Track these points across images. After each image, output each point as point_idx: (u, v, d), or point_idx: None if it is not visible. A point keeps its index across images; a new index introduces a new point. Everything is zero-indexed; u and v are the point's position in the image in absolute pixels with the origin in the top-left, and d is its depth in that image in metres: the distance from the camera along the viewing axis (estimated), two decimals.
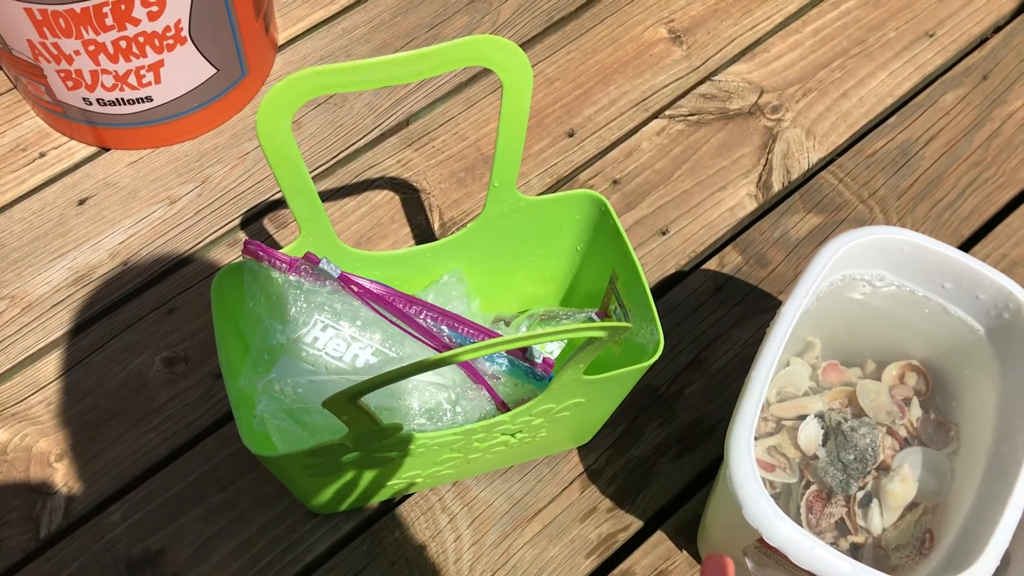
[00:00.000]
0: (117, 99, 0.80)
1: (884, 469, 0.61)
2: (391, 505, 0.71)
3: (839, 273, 0.63)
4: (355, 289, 0.63)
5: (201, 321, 0.78)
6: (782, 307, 0.58)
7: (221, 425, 0.73)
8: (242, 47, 0.83)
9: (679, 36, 0.95)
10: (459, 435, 0.57)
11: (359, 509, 0.70)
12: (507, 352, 0.63)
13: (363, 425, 0.51)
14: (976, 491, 0.58)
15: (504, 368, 0.63)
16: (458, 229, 0.73)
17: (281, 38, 0.94)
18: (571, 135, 0.89)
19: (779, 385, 0.65)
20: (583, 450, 0.73)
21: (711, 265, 0.82)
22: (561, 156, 0.88)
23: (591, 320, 0.68)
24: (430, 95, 0.91)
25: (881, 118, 0.91)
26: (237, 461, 0.72)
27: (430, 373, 0.63)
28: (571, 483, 0.72)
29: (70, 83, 0.78)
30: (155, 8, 0.74)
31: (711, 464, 0.73)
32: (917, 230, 0.61)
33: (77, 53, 0.75)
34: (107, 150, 0.86)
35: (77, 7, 0.71)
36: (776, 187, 0.87)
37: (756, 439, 0.60)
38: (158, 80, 0.80)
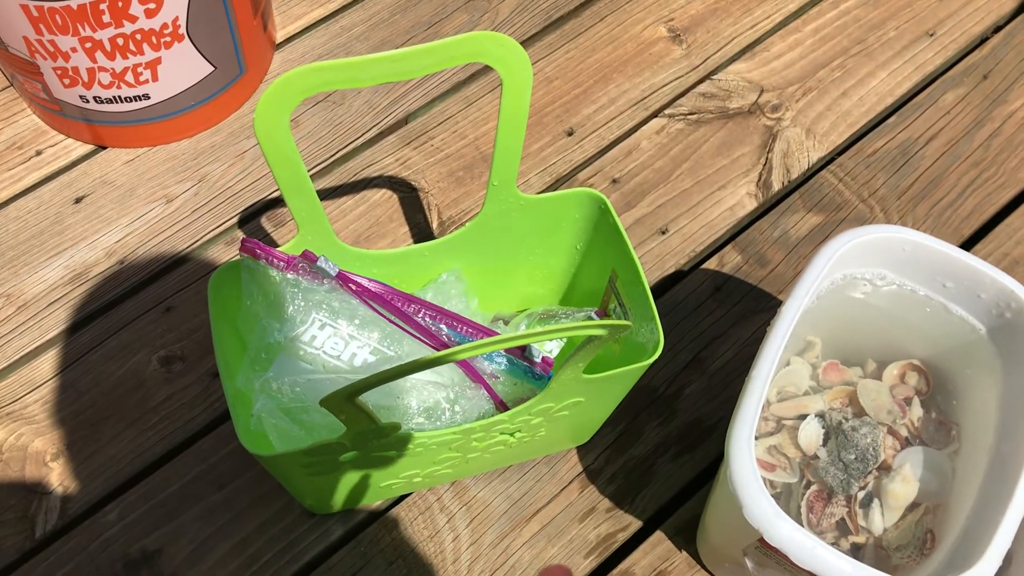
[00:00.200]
0: (114, 97, 0.80)
1: (885, 469, 0.61)
2: (389, 505, 0.70)
3: (840, 272, 0.62)
4: (353, 287, 0.63)
5: (198, 320, 0.77)
6: (783, 306, 0.57)
7: (218, 424, 0.73)
8: (240, 45, 0.83)
9: (679, 35, 0.95)
10: (458, 434, 0.57)
11: (357, 509, 0.70)
12: (506, 351, 0.63)
13: (361, 424, 0.51)
14: (978, 491, 0.57)
15: (503, 367, 0.63)
16: (457, 228, 0.73)
17: (279, 36, 0.94)
18: (570, 134, 0.89)
19: (779, 384, 0.64)
20: (582, 450, 0.73)
21: (711, 264, 0.82)
22: (560, 155, 0.87)
23: (590, 319, 0.67)
24: (429, 93, 0.90)
25: (881, 117, 0.91)
26: (234, 460, 0.71)
27: (428, 372, 0.62)
28: (570, 483, 0.72)
29: (67, 80, 0.78)
30: (152, 5, 0.73)
31: (711, 464, 0.73)
32: (917, 229, 0.61)
33: (74, 50, 0.75)
34: (104, 148, 0.86)
35: (74, 3, 0.70)
36: (776, 186, 0.86)
37: (756, 439, 0.59)
38: (155, 78, 0.79)
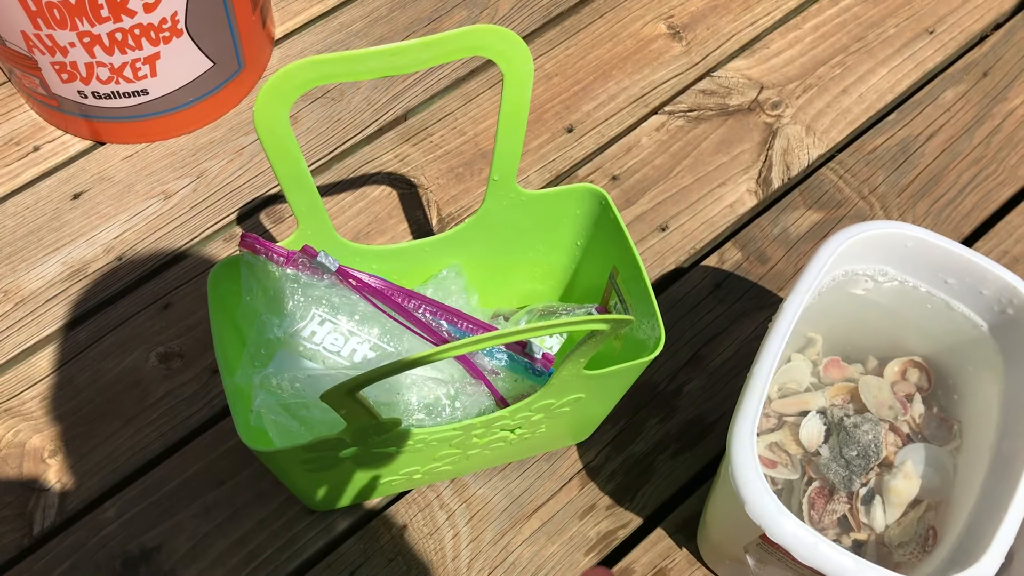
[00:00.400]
0: (112, 92, 0.79)
1: (887, 465, 0.60)
2: (389, 502, 0.70)
3: (841, 268, 0.62)
4: (353, 283, 0.62)
5: (196, 317, 0.77)
6: (784, 302, 0.57)
7: (217, 421, 0.73)
8: (239, 41, 0.83)
9: (678, 32, 0.95)
10: (458, 431, 0.57)
11: (356, 505, 0.70)
12: (506, 347, 0.63)
13: (361, 419, 0.51)
14: (979, 488, 0.57)
15: (503, 363, 0.62)
16: (456, 224, 0.73)
17: (278, 32, 0.93)
18: (570, 131, 0.88)
19: (780, 381, 0.64)
20: (582, 447, 0.73)
21: (711, 261, 0.82)
22: (560, 152, 0.87)
23: (591, 315, 0.67)
24: (428, 90, 0.90)
25: (881, 115, 0.91)
26: (233, 457, 0.71)
27: (429, 368, 0.62)
28: (570, 480, 0.72)
29: (65, 76, 0.78)
30: (151, 0, 0.73)
31: (711, 461, 0.73)
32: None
33: (72, 45, 0.74)
34: (102, 144, 0.86)
35: None
36: (776, 183, 0.86)
37: (758, 435, 0.59)
38: (154, 73, 0.79)
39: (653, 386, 0.76)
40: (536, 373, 0.62)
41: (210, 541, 0.68)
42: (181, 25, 0.77)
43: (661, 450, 0.73)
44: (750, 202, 0.85)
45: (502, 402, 0.62)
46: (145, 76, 0.79)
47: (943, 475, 0.60)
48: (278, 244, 0.61)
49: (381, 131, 0.88)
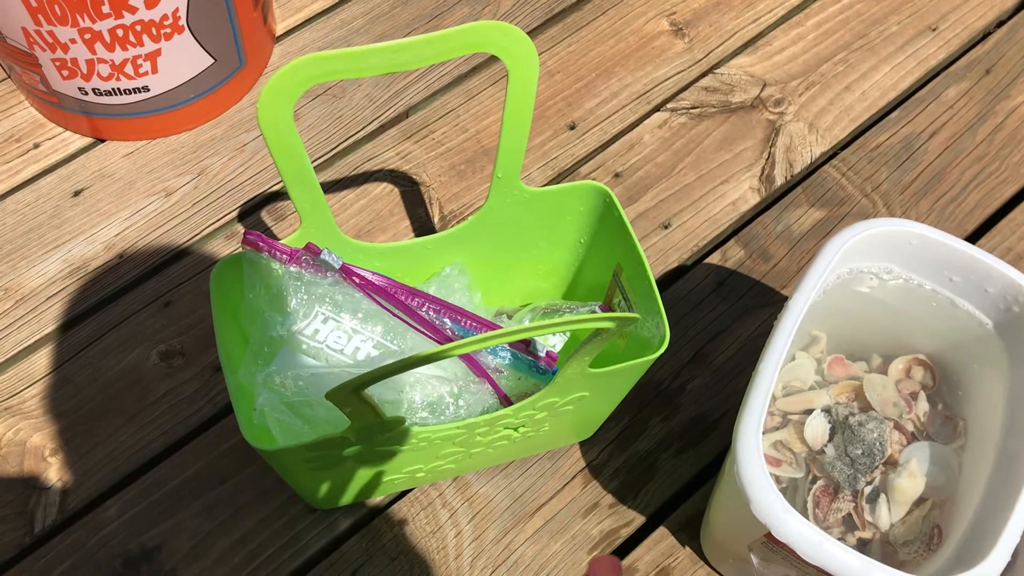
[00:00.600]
0: (113, 89, 0.79)
1: (891, 464, 0.60)
2: (391, 500, 0.70)
3: (846, 266, 0.62)
4: (357, 281, 0.62)
5: (198, 315, 0.77)
6: (790, 300, 0.57)
7: (218, 419, 0.72)
8: (240, 37, 0.82)
9: (681, 28, 0.95)
10: (461, 429, 0.57)
11: (359, 504, 0.69)
12: (510, 346, 0.62)
13: (365, 418, 0.50)
14: (985, 486, 0.57)
15: (507, 362, 0.62)
16: (458, 222, 0.73)
17: (279, 29, 0.93)
18: (572, 128, 0.88)
19: (785, 379, 0.64)
20: (585, 445, 0.73)
21: (714, 259, 0.82)
22: (562, 149, 0.87)
23: (595, 313, 0.67)
24: (430, 87, 0.90)
25: (884, 112, 0.91)
26: (235, 456, 0.71)
27: (432, 366, 0.62)
28: (573, 478, 0.71)
29: (65, 72, 0.77)
30: None
31: (714, 459, 0.73)
32: None
33: (73, 41, 0.74)
34: (102, 141, 0.85)
35: None
36: (779, 181, 0.86)
37: (762, 434, 0.59)
38: (155, 70, 0.79)
39: (656, 384, 0.75)
40: (540, 371, 0.62)
41: (212, 540, 0.68)
42: (182, 21, 0.76)
43: (664, 448, 0.73)
44: (753, 200, 0.85)
45: (506, 400, 0.61)
46: (146, 73, 0.79)
47: (948, 473, 0.60)
48: (281, 242, 0.60)
49: (383, 128, 0.87)
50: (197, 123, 0.86)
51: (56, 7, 0.71)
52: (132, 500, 0.69)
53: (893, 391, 0.63)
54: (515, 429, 0.61)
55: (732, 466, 0.52)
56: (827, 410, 0.62)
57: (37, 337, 0.75)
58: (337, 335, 0.61)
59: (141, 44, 0.76)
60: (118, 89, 0.79)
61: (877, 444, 0.60)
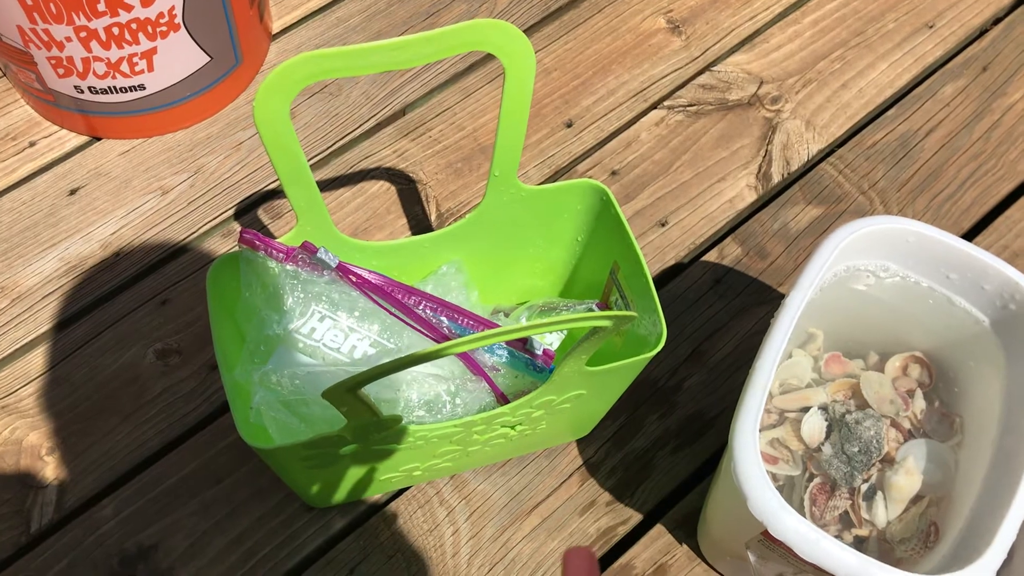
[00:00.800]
0: (109, 87, 0.79)
1: (888, 461, 0.60)
2: (388, 498, 0.70)
3: (843, 263, 0.62)
4: (353, 279, 0.62)
5: (194, 313, 0.76)
6: (787, 297, 0.57)
7: (215, 418, 0.72)
8: (236, 35, 0.82)
9: (678, 26, 0.95)
10: (458, 427, 0.57)
11: (355, 502, 0.69)
12: (507, 344, 0.62)
13: (362, 416, 0.50)
14: (981, 484, 0.57)
15: (504, 360, 0.62)
16: (455, 220, 0.72)
17: (275, 27, 0.93)
18: (569, 126, 0.88)
19: (781, 377, 0.64)
20: (582, 443, 0.73)
21: (711, 257, 0.82)
22: (559, 147, 0.87)
23: (592, 311, 0.67)
24: (427, 84, 0.90)
25: (881, 109, 0.91)
26: (232, 454, 0.71)
27: (429, 365, 0.62)
28: (570, 476, 0.71)
29: (61, 70, 0.77)
30: None
31: (711, 457, 0.73)
32: None
33: (68, 40, 0.74)
34: (98, 139, 0.85)
35: None
36: (776, 178, 0.86)
37: (759, 431, 0.59)
38: (151, 68, 0.79)
39: (653, 382, 0.75)
40: (537, 369, 0.62)
41: (208, 539, 0.68)
42: (178, 20, 0.76)
43: (661, 446, 0.73)
44: (750, 197, 0.85)
45: (503, 399, 0.61)
46: (142, 71, 0.78)
47: (945, 471, 0.60)
48: (278, 240, 0.60)
49: (379, 126, 0.87)
50: (193, 121, 0.86)
51: (51, 5, 0.70)
52: (129, 499, 0.69)
53: (890, 389, 0.63)
54: (512, 427, 0.61)
55: (729, 464, 0.52)
56: (824, 408, 0.62)
57: (33, 336, 0.75)
58: (334, 333, 0.61)
59: (137, 42, 0.76)
60: (114, 87, 0.79)
61: (874, 442, 0.60)
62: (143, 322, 0.76)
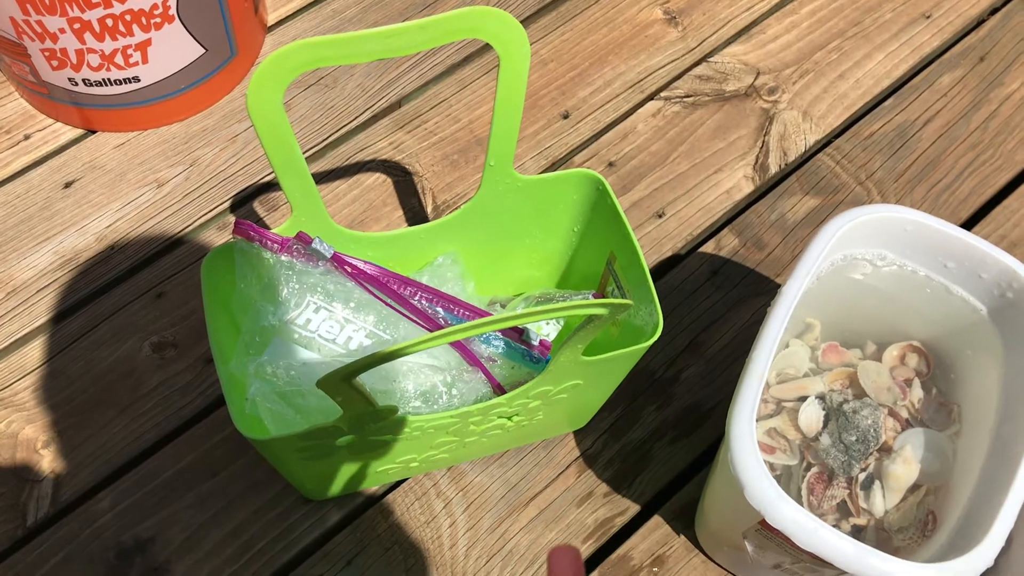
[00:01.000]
0: (103, 79, 0.79)
1: (886, 450, 0.60)
2: (385, 490, 0.70)
3: (840, 252, 0.62)
4: (349, 270, 0.62)
5: (190, 306, 0.76)
6: (783, 286, 0.57)
7: (211, 411, 0.72)
8: (231, 27, 0.82)
9: (674, 17, 0.94)
10: (455, 418, 0.56)
11: (353, 495, 0.69)
12: (503, 334, 0.62)
13: (358, 406, 0.50)
14: (979, 472, 0.57)
15: (500, 350, 0.62)
16: (451, 212, 0.72)
17: (270, 19, 0.92)
18: (566, 117, 0.88)
19: (779, 367, 0.64)
20: (579, 434, 0.72)
21: (708, 248, 0.81)
22: (556, 138, 0.86)
23: (589, 300, 0.67)
24: (422, 76, 0.89)
25: (878, 100, 0.90)
26: (228, 447, 0.70)
27: (425, 355, 0.62)
28: (567, 467, 0.71)
29: (55, 63, 0.77)
30: None
31: (708, 447, 0.73)
32: None
33: (62, 31, 0.73)
34: (93, 132, 0.85)
35: None
36: (773, 169, 0.86)
37: (756, 421, 0.59)
38: (145, 60, 0.78)
39: (650, 373, 0.75)
40: (533, 360, 0.62)
41: (204, 532, 0.67)
42: (173, 11, 0.76)
43: (659, 437, 0.73)
44: (747, 188, 0.85)
45: (499, 389, 0.61)
46: (136, 63, 0.78)
47: (942, 460, 0.60)
48: (272, 231, 0.60)
49: (375, 118, 0.87)
50: (188, 114, 0.86)
51: None
52: (125, 492, 0.69)
53: (887, 378, 0.63)
54: (509, 418, 0.61)
55: (726, 454, 0.52)
56: (821, 397, 0.62)
57: (29, 329, 0.75)
58: (329, 324, 0.61)
59: (131, 34, 0.75)
60: (108, 79, 0.79)
61: (871, 431, 0.59)
62: (139, 315, 0.76)
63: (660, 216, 0.83)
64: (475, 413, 0.57)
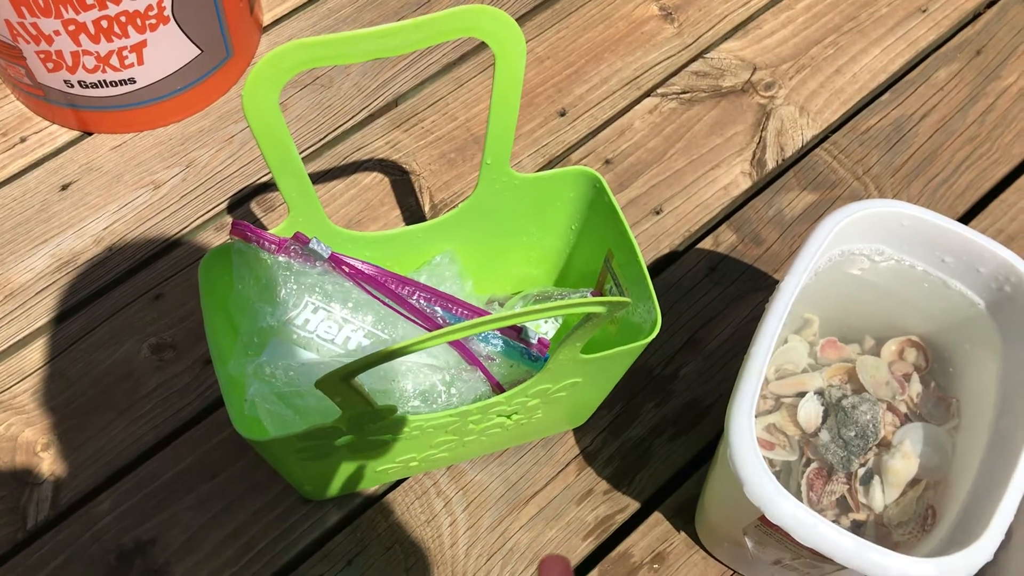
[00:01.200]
0: (99, 81, 0.79)
1: (885, 445, 0.60)
2: (385, 490, 0.70)
3: (838, 248, 0.62)
4: (346, 270, 0.62)
5: (188, 307, 0.76)
6: (781, 282, 0.57)
7: (210, 412, 0.72)
8: (226, 27, 0.82)
9: (670, 13, 0.94)
10: (454, 417, 0.56)
11: (352, 495, 0.69)
12: (502, 333, 0.62)
13: (356, 407, 0.50)
14: (978, 466, 0.57)
15: (499, 349, 0.62)
16: (449, 211, 0.72)
17: (266, 19, 0.92)
18: (562, 114, 0.88)
19: (777, 362, 0.64)
20: (578, 432, 0.72)
21: (705, 244, 0.81)
22: (553, 136, 0.86)
23: (587, 298, 0.67)
24: (419, 75, 0.89)
25: (875, 94, 0.90)
26: (227, 448, 0.70)
27: (424, 355, 0.62)
28: (567, 465, 0.71)
29: (50, 65, 0.77)
30: None
31: (707, 444, 0.73)
32: None
33: (57, 33, 0.73)
34: (90, 134, 0.85)
35: None
36: (770, 165, 0.86)
37: (756, 417, 0.59)
38: (141, 61, 0.78)
39: (649, 370, 0.75)
40: (532, 358, 0.62)
41: (204, 533, 0.67)
42: (168, 12, 0.76)
43: (658, 434, 0.73)
44: (744, 184, 0.85)
45: (498, 388, 0.61)
46: (132, 64, 0.78)
47: (941, 454, 0.60)
48: (270, 231, 0.60)
49: (371, 117, 0.87)
50: (184, 115, 0.85)
51: None
52: (125, 494, 0.69)
53: (886, 373, 0.63)
54: (508, 416, 0.61)
55: (725, 450, 0.52)
56: (820, 393, 0.62)
57: (27, 332, 0.75)
58: (327, 325, 0.61)
59: (126, 35, 0.75)
60: (104, 81, 0.79)
61: (870, 426, 0.59)
62: (137, 317, 0.76)
63: (657, 213, 0.83)
64: (474, 412, 0.57)
